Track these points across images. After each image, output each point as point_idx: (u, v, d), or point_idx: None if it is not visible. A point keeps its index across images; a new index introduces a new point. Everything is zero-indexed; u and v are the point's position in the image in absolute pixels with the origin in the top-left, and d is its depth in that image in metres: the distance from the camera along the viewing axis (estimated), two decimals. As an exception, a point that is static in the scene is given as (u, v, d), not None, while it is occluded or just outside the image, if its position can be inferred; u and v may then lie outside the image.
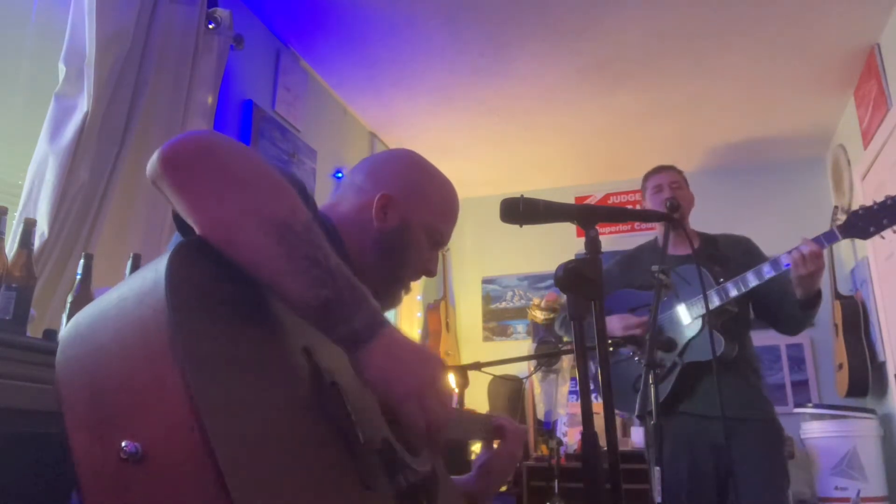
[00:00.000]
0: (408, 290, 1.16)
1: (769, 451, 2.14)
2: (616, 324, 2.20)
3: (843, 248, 4.13)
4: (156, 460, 0.57)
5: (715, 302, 2.12)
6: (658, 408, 1.63)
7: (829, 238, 2.03)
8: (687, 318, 2.20)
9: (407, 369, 0.76)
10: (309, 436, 0.72)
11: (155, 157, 0.73)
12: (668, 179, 2.38)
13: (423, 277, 1.16)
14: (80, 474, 0.59)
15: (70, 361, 0.64)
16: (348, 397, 0.79)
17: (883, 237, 2.03)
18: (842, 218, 4.00)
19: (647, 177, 2.47)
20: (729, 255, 2.31)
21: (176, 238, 0.87)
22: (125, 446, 0.57)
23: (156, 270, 0.64)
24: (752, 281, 2.10)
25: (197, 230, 0.72)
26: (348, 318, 0.74)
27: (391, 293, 1.13)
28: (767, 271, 2.09)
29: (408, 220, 1.10)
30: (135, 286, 0.65)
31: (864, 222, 2.01)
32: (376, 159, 1.18)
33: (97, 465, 0.59)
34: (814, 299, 2.09)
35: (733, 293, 2.12)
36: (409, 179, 1.13)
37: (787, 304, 2.16)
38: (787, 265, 2.05)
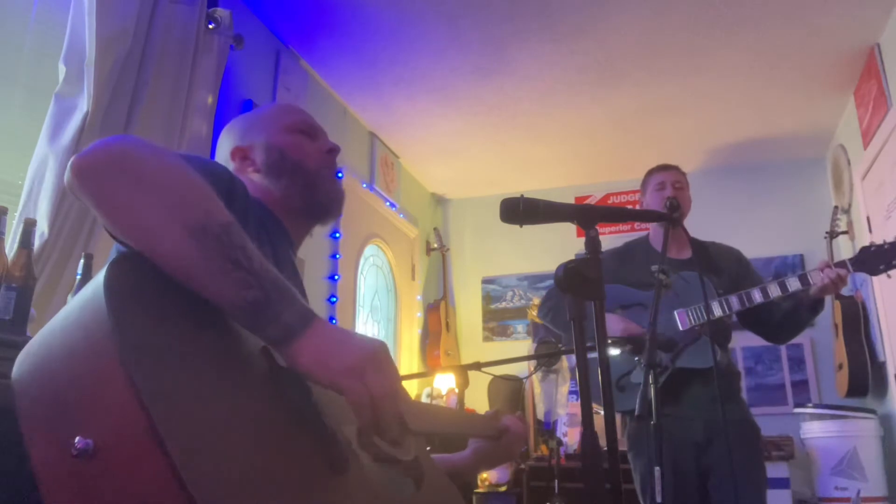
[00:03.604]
0: (332, 175, 1.17)
1: (748, 449, 2.19)
2: (616, 325, 2.21)
3: (843, 248, 4.13)
4: (108, 455, 0.57)
5: (716, 313, 2.16)
6: (655, 406, 1.63)
7: (841, 267, 2.13)
8: (685, 323, 2.22)
9: (342, 349, 0.74)
10: (270, 424, 0.72)
11: (68, 168, 0.72)
12: (671, 178, 2.39)
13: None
14: (38, 475, 0.60)
15: (24, 375, 0.65)
16: (312, 389, 0.79)
17: (889, 276, 2.16)
18: (842, 218, 4.01)
19: (650, 173, 2.47)
20: (721, 265, 2.35)
21: (115, 249, 0.87)
22: (77, 442, 0.57)
23: (95, 281, 0.66)
24: (757, 298, 2.16)
25: (116, 235, 0.73)
26: (277, 316, 0.72)
27: (321, 190, 1.15)
28: (774, 292, 2.15)
29: (266, 143, 1.14)
30: (77, 300, 0.67)
31: (874, 259, 2.11)
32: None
33: (53, 464, 0.59)
34: (821, 301, 2.20)
35: (736, 307, 2.17)
36: (236, 127, 1.20)
37: (796, 314, 2.23)
38: (794, 289, 2.13)
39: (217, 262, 0.70)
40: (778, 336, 2.37)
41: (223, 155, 1.19)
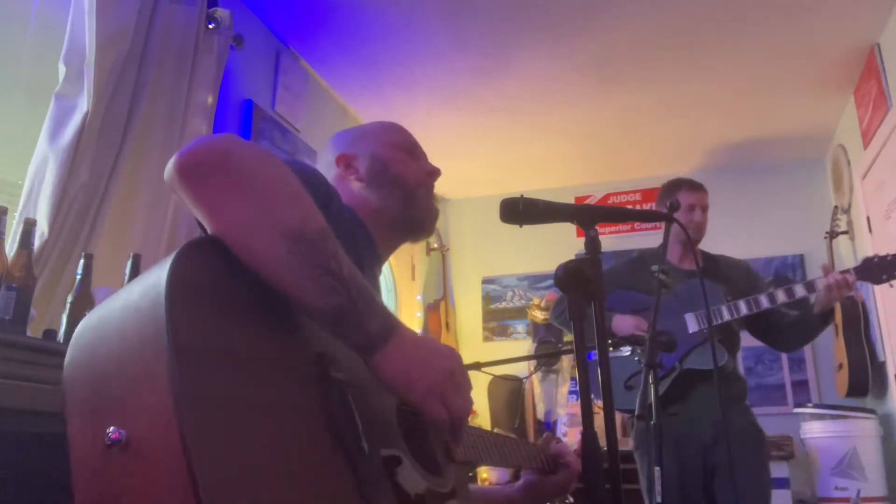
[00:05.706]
0: (432, 197, 1.20)
1: (753, 450, 2.27)
2: (630, 322, 2.29)
3: (843, 248, 4.13)
4: (138, 449, 0.57)
5: (725, 317, 2.26)
6: (655, 407, 1.63)
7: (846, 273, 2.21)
8: (694, 326, 2.32)
9: (424, 367, 0.77)
10: (304, 439, 0.71)
11: (171, 164, 0.74)
12: (702, 202, 2.45)
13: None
14: (72, 459, 0.60)
15: (78, 349, 0.66)
16: (358, 407, 0.78)
17: (892, 286, 2.27)
18: (842, 218, 4.01)
19: (678, 187, 2.48)
20: (731, 275, 2.44)
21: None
22: (111, 433, 0.58)
23: (161, 265, 0.66)
24: (764, 303, 2.25)
25: (212, 233, 0.74)
26: (361, 324, 0.74)
27: (418, 205, 1.16)
28: (781, 298, 2.24)
29: (371, 154, 1.16)
30: (143, 280, 0.67)
31: (878, 269, 2.20)
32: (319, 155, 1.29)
33: (85, 450, 0.60)
34: (832, 313, 2.27)
35: (744, 311, 2.25)
36: (344, 137, 1.22)
37: (804, 322, 2.31)
38: (800, 295, 2.22)
39: (308, 266, 0.71)
40: (784, 343, 2.46)
41: (327, 160, 1.21)
